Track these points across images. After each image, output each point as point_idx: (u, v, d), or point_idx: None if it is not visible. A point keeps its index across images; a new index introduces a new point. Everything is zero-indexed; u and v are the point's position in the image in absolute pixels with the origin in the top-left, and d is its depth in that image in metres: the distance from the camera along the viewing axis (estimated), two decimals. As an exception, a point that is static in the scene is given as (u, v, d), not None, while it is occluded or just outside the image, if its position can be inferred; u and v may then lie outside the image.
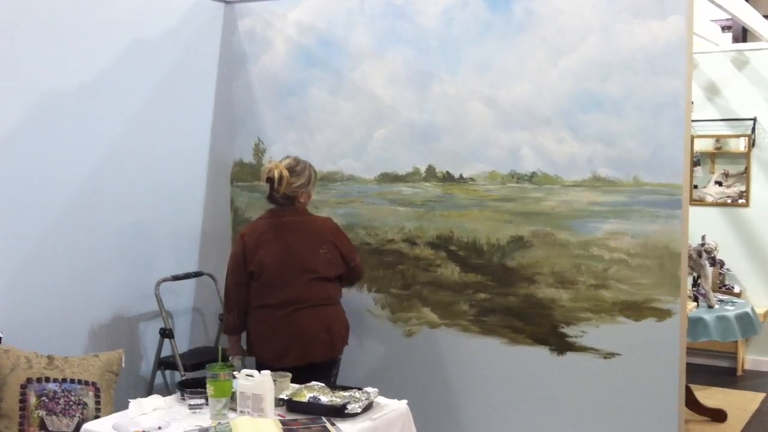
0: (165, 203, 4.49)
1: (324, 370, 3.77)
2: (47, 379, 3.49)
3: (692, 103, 4.18)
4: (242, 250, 3.82)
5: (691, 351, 3.88)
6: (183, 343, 4.57)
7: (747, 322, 5.52)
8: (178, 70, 4.54)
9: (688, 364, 3.86)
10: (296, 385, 3.34)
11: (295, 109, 4.65)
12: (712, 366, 6.73)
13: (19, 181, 3.78)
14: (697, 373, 6.16)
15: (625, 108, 3.78)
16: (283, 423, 2.98)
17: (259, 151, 4.80)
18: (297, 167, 3.83)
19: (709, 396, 5.86)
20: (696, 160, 6.75)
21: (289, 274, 3.77)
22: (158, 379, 4.33)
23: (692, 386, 5.32)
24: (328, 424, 2.98)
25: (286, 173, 3.75)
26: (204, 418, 3.08)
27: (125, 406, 3.23)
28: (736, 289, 6.70)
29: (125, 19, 4.23)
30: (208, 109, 4.76)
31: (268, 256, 3.78)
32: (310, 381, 3.38)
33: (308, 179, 3.86)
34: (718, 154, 6.94)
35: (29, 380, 3.46)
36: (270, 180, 3.78)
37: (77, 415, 3.49)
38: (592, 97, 3.84)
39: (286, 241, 3.79)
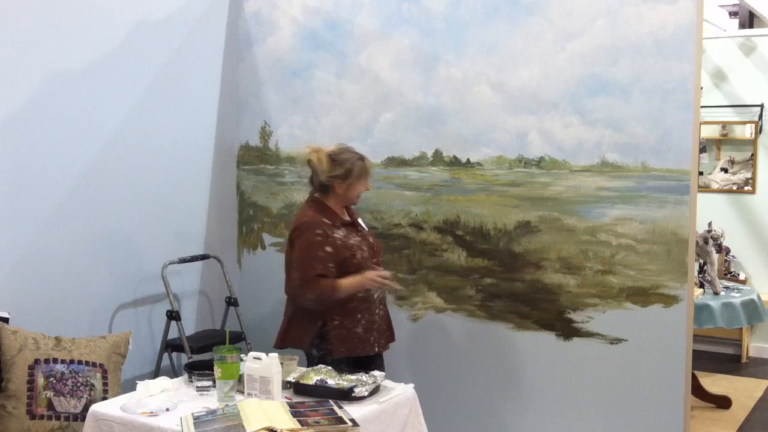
0: (171, 186, 4.49)
1: None
2: (55, 360, 3.50)
3: (701, 88, 4.15)
4: None
5: (695, 338, 3.88)
6: (189, 325, 4.58)
7: (753, 309, 5.51)
8: (184, 52, 4.52)
9: (693, 351, 3.86)
10: (303, 368, 3.35)
11: (301, 92, 4.64)
12: (716, 353, 6.74)
13: (25, 163, 3.77)
14: (701, 360, 6.18)
15: (634, 92, 3.76)
16: (291, 405, 2.99)
17: (265, 134, 4.79)
18: (339, 156, 3.61)
19: (714, 383, 5.87)
20: (702, 147, 6.72)
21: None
22: (165, 361, 4.34)
23: (697, 373, 5.33)
24: (335, 407, 2.98)
25: (324, 158, 3.57)
26: (211, 400, 3.10)
27: (132, 388, 3.25)
28: (741, 276, 6.69)
29: (131, 0, 4.21)
30: (213, 92, 4.75)
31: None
32: None
33: (347, 172, 3.59)
34: (724, 140, 6.92)
35: (37, 361, 3.47)
36: (311, 165, 3.64)
37: (85, 396, 3.50)
38: (600, 82, 3.82)
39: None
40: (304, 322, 3.61)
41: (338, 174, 3.59)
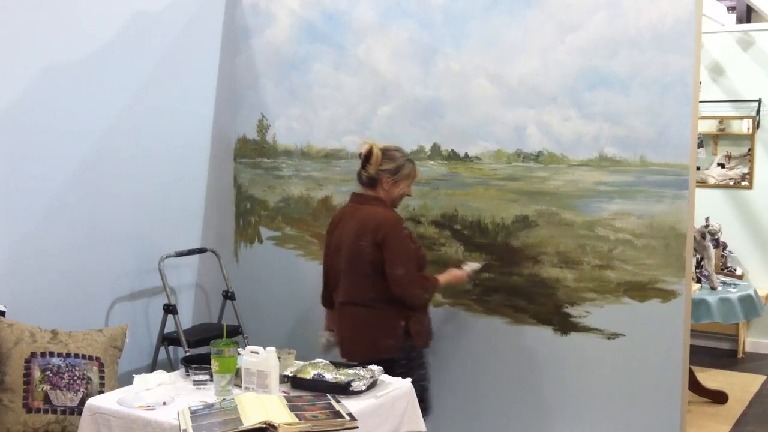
0: (168, 179, 4.47)
1: None
2: (51, 354, 3.48)
3: (700, 82, 4.14)
4: (327, 233, 3.86)
5: (692, 333, 3.89)
6: (186, 319, 4.57)
7: (750, 304, 5.52)
8: (181, 44, 4.50)
9: (690, 346, 3.85)
10: (301, 362, 3.34)
11: (299, 84, 4.62)
12: (713, 348, 6.75)
13: (21, 156, 3.75)
14: (698, 355, 6.17)
15: (632, 86, 3.75)
16: (288, 400, 2.98)
17: (262, 127, 4.78)
18: (392, 152, 3.69)
19: (710, 378, 5.88)
20: (699, 142, 6.72)
21: (337, 266, 3.73)
22: (161, 355, 4.33)
23: (693, 368, 5.33)
24: (333, 401, 2.97)
25: (377, 151, 3.63)
26: (209, 394, 3.08)
27: (129, 382, 3.24)
28: (738, 272, 6.70)
29: (128, -8, 4.19)
30: (211, 84, 4.73)
31: (329, 243, 3.81)
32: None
33: (397, 168, 3.66)
34: (721, 135, 6.92)
35: (33, 354, 3.45)
36: (362, 156, 3.68)
37: (81, 390, 3.48)
38: (598, 75, 3.81)
39: (342, 228, 3.72)
40: (390, 326, 3.61)
41: (388, 168, 3.66)
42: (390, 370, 3.51)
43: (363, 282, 3.61)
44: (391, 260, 3.56)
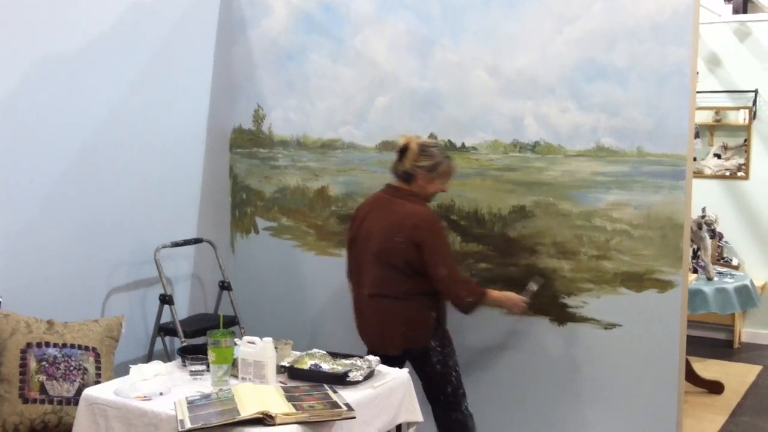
0: (164, 169, 4.46)
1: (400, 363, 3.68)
2: (47, 344, 3.48)
3: (697, 73, 4.14)
4: (350, 222, 3.84)
5: (688, 323, 3.89)
6: (182, 309, 4.56)
7: (746, 295, 5.54)
8: (177, 34, 4.48)
9: (686, 336, 3.86)
10: (298, 353, 3.34)
11: (295, 75, 4.60)
12: (709, 338, 6.77)
13: (17, 147, 3.73)
14: (694, 345, 6.17)
15: (630, 77, 3.74)
16: (285, 390, 2.98)
17: (258, 118, 4.76)
18: (431, 149, 3.64)
19: (706, 368, 5.90)
20: (695, 133, 6.73)
21: (363, 255, 3.71)
22: (158, 345, 4.33)
23: (689, 358, 5.34)
24: (330, 392, 2.97)
25: (415, 146, 3.59)
26: (205, 384, 3.09)
27: (125, 372, 3.24)
28: (735, 262, 6.71)
29: (124, -19, 4.17)
30: (207, 75, 4.71)
31: (356, 233, 3.77)
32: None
33: (434, 165, 3.62)
34: (717, 126, 6.92)
35: (29, 345, 3.44)
36: (400, 149, 3.64)
37: (78, 380, 3.48)
38: (596, 66, 3.81)
39: (374, 219, 3.69)
40: (422, 317, 3.61)
41: (425, 165, 3.62)
42: (425, 359, 3.58)
43: (396, 276, 3.58)
44: (433, 261, 3.54)
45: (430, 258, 3.54)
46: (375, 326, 3.70)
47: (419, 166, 3.61)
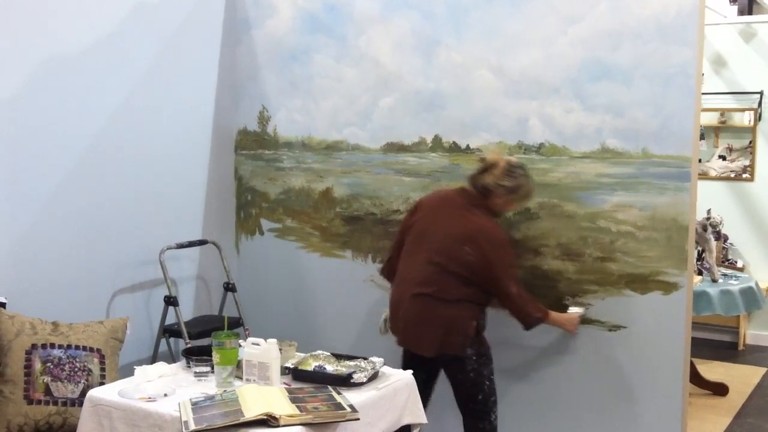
0: (169, 171, 4.46)
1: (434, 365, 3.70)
2: (52, 345, 3.48)
3: (702, 74, 4.13)
4: (412, 209, 3.82)
5: (693, 325, 3.88)
6: (187, 311, 4.56)
7: (751, 297, 5.52)
8: (182, 35, 4.48)
9: (691, 338, 3.85)
10: (302, 354, 3.33)
11: (300, 76, 4.60)
12: (713, 340, 6.76)
13: (21, 148, 3.74)
14: (698, 347, 6.17)
15: (635, 78, 3.73)
16: (289, 391, 2.98)
17: (263, 119, 4.76)
18: (517, 170, 3.62)
19: (711, 370, 5.89)
20: (700, 134, 6.72)
21: (415, 249, 3.66)
22: (162, 346, 4.32)
23: (694, 360, 5.33)
24: (334, 393, 2.97)
25: (503, 165, 3.57)
26: (210, 385, 3.08)
27: (130, 373, 3.24)
28: (739, 264, 6.70)
29: (129, -18, 4.18)
30: (211, 76, 4.71)
31: (414, 222, 3.73)
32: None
33: (516, 187, 3.60)
34: (722, 128, 6.91)
35: (34, 346, 3.45)
36: (485, 163, 3.62)
37: (82, 382, 3.48)
38: (601, 67, 3.80)
39: (438, 219, 3.66)
40: (463, 324, 3.56)
41: (507, 185, 3.59)
42: (459, 366, 3.57)
43: (450, 281, 3.54)
44: (504, 279, 3.55)
45: (500, 275, 3.54)
46: (414, 325, 3.62)
47: (501, 185, 3.58)
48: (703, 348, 6.36)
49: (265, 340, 3.10)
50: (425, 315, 3.58)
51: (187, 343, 4.07)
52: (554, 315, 3.77)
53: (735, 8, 6.96)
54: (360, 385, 3.07)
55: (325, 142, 4.57)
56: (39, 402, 3.41)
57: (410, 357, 3.67)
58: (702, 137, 6.77)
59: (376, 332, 3.92)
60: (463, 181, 4.01)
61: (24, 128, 3.74)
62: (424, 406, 3.44)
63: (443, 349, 3.57)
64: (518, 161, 3.71)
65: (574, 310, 3.85)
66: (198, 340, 4.11)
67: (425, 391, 3.65)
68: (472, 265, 3.52)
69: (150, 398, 2.94)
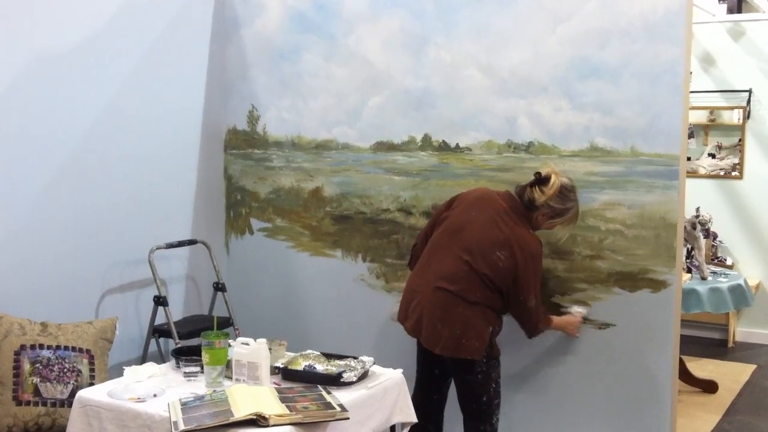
0: (158, 170, 4.45)
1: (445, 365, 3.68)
2: (41, 346, 3.47)
3: (690, 72, 4.14)
4: (449, 201, 3.77)
5: (682, 322, 3.90)
6: (177, 311, 4.55)
7: (740, 294, 5.55)
8: (171, 34, 4.46)
9: (680, 336, 3.87)
10: (291, 354, 3.33)
11: (289, 75, 4.60)
12: (703, 337, 6.78)
13: (8, 148, 3.72)
14: (688, 345, 6.20)
15: (623, 76, 3.74)
16: (279, 391, 2.98)
17: (253, 118, 4.76)
18: (569, 193, 3.57)
19: (700, 367, 5.91)
20: (689, 132, 6.73)
21: (444, 242, 3.60)
22: (152, 347, 4.31)
23: (683, 357, 5.35)
24: (324, 393, 2.97)
25: (557, 184, 3.50)
26: (199, 385, 3.08)
27: (119, 374, 3.24)
28: (729, 262, 6.72)
29: (117, -18, 4.16)
30: (200, 75, 4.70)
31: (448, 215, 3.67)
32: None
33: (564, 210, 3.57)
34: (712, 126, 6.93)
35: (23, 347, 3.44)
36: (540, 177, 3.54)
37: (71, 382, 3.47)
38: (589, 65, 3.81)
39: (475, 218, 3.58)
40: (479, 328, 3.52)
41: (555, 206, 3.55)
42: (468, 368, 3.56)
43: (476, 282, 3.49)
44: (527, 291, 3.52)
45: (525, 286, 3.51)
46: (430, 319, 3.55)
47: (550, 205, 3.55)
48: (692, 345, 6.39)
49: (255, 339, 3.10)
50: (444, 312, 3.51)
51: (176, 343, 4.07)
52: (556, 320, 3.77)
53: (724, 6, 6.97)
54: (350, 384, 3.08)
55: (314, 141, 4.57)
56: (28, 403, 3.40)
57: (423, 349, 3.66)
58: (692, 135, 6.79)
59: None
60: (452, 180, 4.02)
61: (11, 128, 3.73)
62: (441, 403, 3.59)
63: (459, 352, 3.49)
64: (572, 183, 3.62)
65: (577, 310, 3.85)
66: (188, 340, 4.10)
67: (441, 387, 3.76)
68: (501, 270, 3.47)
69: (139, 398, 2.94)
